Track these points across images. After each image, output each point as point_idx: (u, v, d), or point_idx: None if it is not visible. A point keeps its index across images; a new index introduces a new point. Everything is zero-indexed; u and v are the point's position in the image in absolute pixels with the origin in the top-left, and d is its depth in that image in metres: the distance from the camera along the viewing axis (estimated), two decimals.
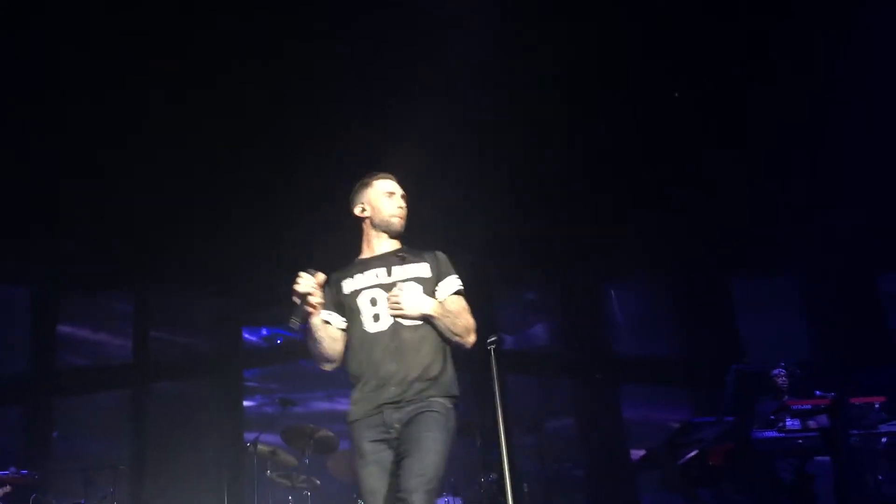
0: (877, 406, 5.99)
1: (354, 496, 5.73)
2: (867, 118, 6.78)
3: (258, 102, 6.49)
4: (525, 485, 6.34)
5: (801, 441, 5.80)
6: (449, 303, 3.37)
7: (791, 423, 5.87)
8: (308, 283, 3.25)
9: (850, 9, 6.27)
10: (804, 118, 6.87)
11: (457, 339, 3.34)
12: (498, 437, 3.78)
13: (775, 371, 6.63)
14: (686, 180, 7.37)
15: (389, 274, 3.40)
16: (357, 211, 3.50)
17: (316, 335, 3.32)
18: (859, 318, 8.05)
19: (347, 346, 3.40)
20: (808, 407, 5.95)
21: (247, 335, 8.32)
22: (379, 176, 3.53)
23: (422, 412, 3.21)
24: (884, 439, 6.03)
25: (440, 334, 3.34)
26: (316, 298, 3.26)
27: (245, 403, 8.06)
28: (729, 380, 6.53)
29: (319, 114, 6.57)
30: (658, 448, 6.14)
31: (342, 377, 3.39)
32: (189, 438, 7.37)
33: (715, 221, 7.76)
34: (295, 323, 3.26)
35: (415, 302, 3.30)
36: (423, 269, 3.41)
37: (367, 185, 3.52)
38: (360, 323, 3.36)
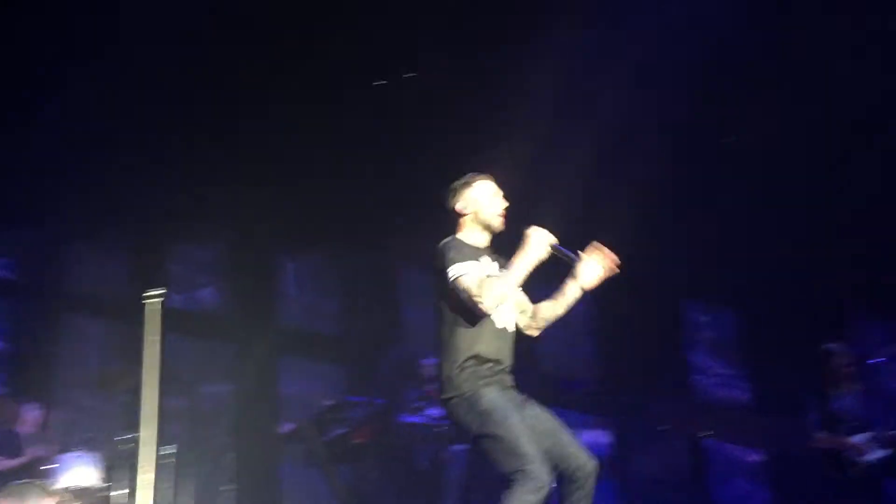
0: None
1: None
2: None
3: None
4: (168, 448, 6.17)
5: (439, 429, 6.13)
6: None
7: (433, 411, 6.18)
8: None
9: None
10: None
11: None
12: (145, 395, 3.65)
13: (425, 361, 6.95)
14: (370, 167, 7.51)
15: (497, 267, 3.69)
16: (459, 206, 3.80)
17: (519, 277, 3.60)
18: None
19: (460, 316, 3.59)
20: None
21: None
22: (483, 176, 3.84)
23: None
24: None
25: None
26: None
27: None
28: (383, 363, 6.78)
29: None
30: (307, 422, 6.22)
31: None
32: None
33: (394, 210, 7.97)
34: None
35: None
36: (497, 269, 3.69)
37: (470, 184, 3.80)
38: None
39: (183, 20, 5.94)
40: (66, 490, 5.23)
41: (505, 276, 3.58)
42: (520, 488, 3.28)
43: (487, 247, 3.78)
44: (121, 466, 3.40)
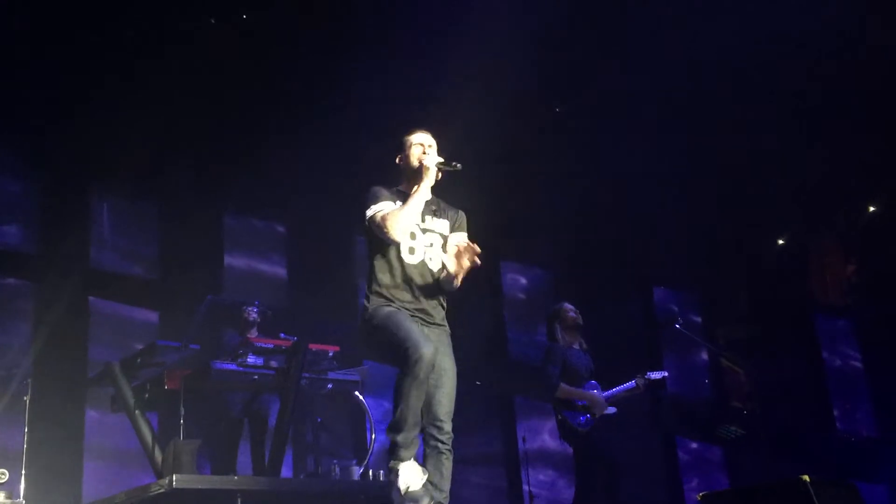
0: (330, 354, 6.53)
1: None
2: None
3: None
4: None
5: (256, 377, 6.09)
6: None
7: (253, 359, 6.13)
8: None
9: None
10: None
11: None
12: None
13: (248, 307, 6.88)
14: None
15: (423, 221, 4.13)
16: (396, 160, 4.26)
17: (419, 201, 4.03)
18: (335, 273, 8.68)
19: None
20: (271, 346, 6.28)
21: None
22: (415, 130, 4.24)
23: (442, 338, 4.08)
24: (329, 385, 6.61)
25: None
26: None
27: None
28: (200, 308, 6.63)
29: None
30: (115, 366, 6.01)
31: None
32: None
33: (222, 162, 7.82)
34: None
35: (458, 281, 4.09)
36: (444, 227, 4.21)
37: (403, 137, 4.24)
38: (399, 247, 4.04)
39: None
40: None
41: (405, 204, 3.99)
42: (403, 368, 3.75)
43: (431, 201, 4.18)
44: None
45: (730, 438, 9.23)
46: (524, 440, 7.98)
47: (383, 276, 4.05)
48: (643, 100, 7.91)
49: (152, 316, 7.86)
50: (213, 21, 6.81)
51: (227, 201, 8.31)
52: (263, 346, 6.25)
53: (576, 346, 6.46)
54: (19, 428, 5.65)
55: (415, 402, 3.78)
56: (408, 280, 4.05)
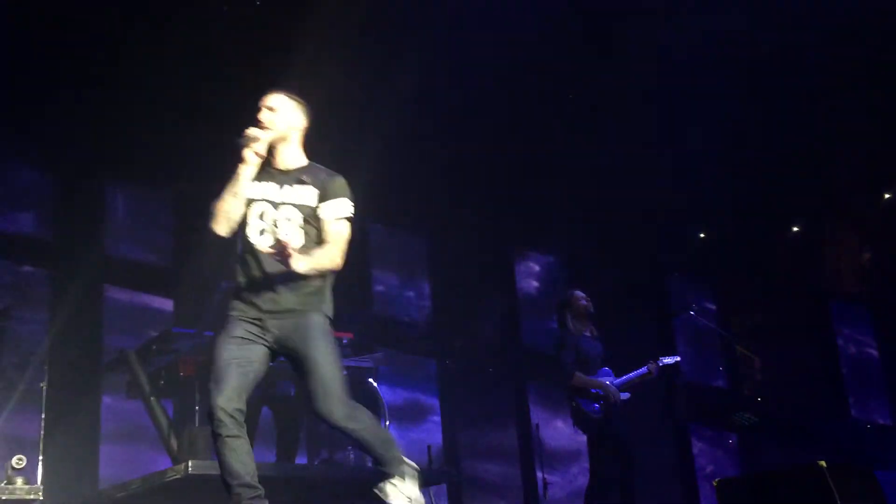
0: (344, 341, 6.54)
1: None
2: None
3: None
4: None
5: (271, 364, 6.08)
6: (326, 228, 3.63)
7: None
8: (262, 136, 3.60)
9: None
10: None
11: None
12: None
13: None
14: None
15: (280, 193, 3.67)
16: None
17: (234, 187, 3.57)
18: (348, 260, 8.67)
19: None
20: None
21: None
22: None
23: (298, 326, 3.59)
24: (343, 372, 6.61)
25: None
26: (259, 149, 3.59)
27: None
28: (215, 295, 6.64)
29: None
30: (130, 353, 6.03)
31: None
32: None
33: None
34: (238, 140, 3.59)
35: (297, 263, 3.46)
36: (309, 197, 3.66)
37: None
38: (247, 230, 3.63)
39: None
40: None
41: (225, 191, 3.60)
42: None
43: (300, 169, 3.74)
44: None
45: (744, 426, 9.20)
46: (538, 427, 7.98)
47: (239, 277, 3.68)
48: (655, 88, 7.88)
49: (167, 303, 7.88)
50: (225, 7, 6.79)
51: None
52: None
53: (587, 334, 6.44)
54: (36, 414, 5.68)
55: (224, 459, 3.47)
56: (260, 267, 3.62)
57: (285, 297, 3.60)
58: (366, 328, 7.38)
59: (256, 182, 3.67)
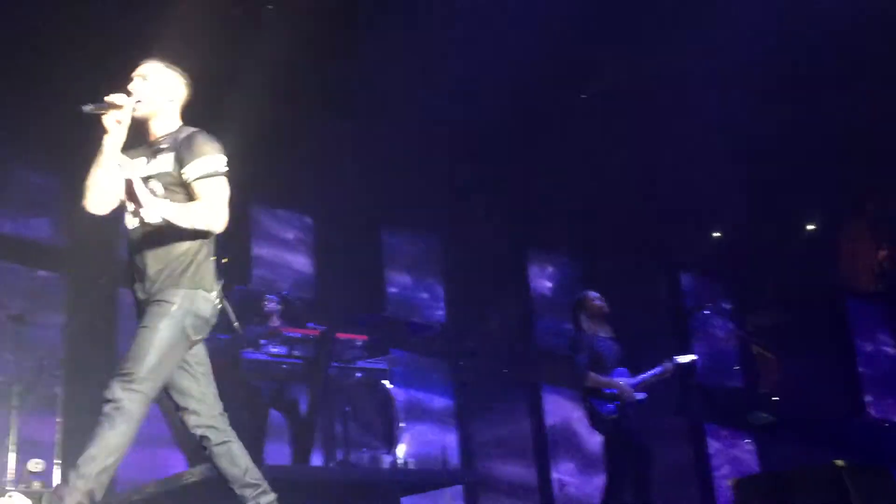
0: (358, 343, 6.55)
1: None
2: None
3: None
4: None
5: (285, 366, 6.12)
6: (194, 192, 3.26)
7: (279, 348, 6.15)
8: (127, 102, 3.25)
9: None
10: None
11: (202, 230, 3.26)
12: None
13: (270, 296, 6.89)
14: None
15: (147, 163, 3.34)
16: None
17: (98, 158, 3.27)
18: (361, 263, 8.71)
19: None
20: (299, 335, 6.30)
21: None
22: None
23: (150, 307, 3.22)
24: (358, 374, 6.63)
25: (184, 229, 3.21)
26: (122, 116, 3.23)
27: None
28: (229, 299, 6.65)
29: None
30: None
31: None
32: None
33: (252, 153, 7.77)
34: (88, 107, 3.24)
35: (146, 209, 3.11)
36: (166, 162, 3.29)
37: None
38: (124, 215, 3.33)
39: None
40: None
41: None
42: None
43: (155, 141, 3.39)
44: None
45: (760, 425, 9.16)
46: (552, 429, 7.97)
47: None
48: (668, 83, 7.84)
49: None
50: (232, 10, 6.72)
51: (254, 192, 8.33)
52: (291, 335, 6.27)
53: (602, 334, 6.42)
54: (52, 418, 5.71)
55: (217, 468, 3.40)
56: (130, 250, 3.32)
57: (144, 284, 3.27)
58: (379, 330, 7.39)
59: (128, 161, 3.36)
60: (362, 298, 8.36)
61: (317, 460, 6.73)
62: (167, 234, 3.22)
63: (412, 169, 8.18)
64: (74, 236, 7.56)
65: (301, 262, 8.82)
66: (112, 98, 3.27)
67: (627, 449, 6.16)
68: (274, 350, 6.12)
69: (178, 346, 3.25)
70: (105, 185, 3.29)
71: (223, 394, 5.96)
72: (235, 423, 6.32)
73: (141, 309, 3.30)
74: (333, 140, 7.70)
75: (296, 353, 6.15)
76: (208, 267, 3.36)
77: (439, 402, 8.96)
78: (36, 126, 7.18)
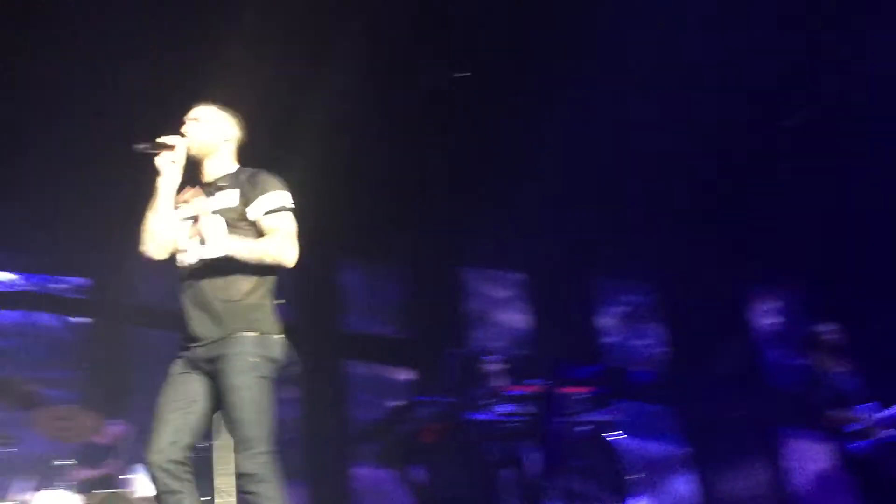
0: (581, 396, 6.47)
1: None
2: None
3: None
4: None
5: (509, 425, 6.12)
6: (261, 227, 3.23)
7: (501, 407, 6.17)
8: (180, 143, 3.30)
9: None
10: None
11: (268, 267, 3.23)
12: None
13: (488, 357, 6.95)
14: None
15: (207, 202, 3.30)
16: None
17: (153, 202, 3.28)
18: (573, 317, 8.64)
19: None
20: (521, 393, 6.30)
21: None
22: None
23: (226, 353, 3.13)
24: (583, 427, 6.53)
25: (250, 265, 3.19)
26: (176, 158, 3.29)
27: None
28: (448, 362, 6.78)
29: None
30: (376, 423, 6.26)
31: None
32: None
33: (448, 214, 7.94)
34: (140, 146, 3.27)
35: (215, 243, 3.13)
36: (229, 199, 3.27)
37: None
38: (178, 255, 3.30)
39: None
40: (145, 499, 5.32)
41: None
42: None
43: (218, 178, 3.37)
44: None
45: None
46: (793, 473, 7.50)
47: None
48: None
49: (402, 372, 8.14)
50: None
51: (463, 255, 8.50)
52: (513, 393, 6.28)
53: (839, 369, 6.03)
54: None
55: None
56: (185, 289, 3.25)
57: (204, 325, 3.19)
58: (601, 381, 7.28)
59: (185, 203, 3.37)
60: (578, 349, 8.29)
61: None
62: (233, 271, 3.19)
63: (628, 211, 8.04)
64: (303, 314, 7.94)
65: (514, 319, 8.89)
66: (164, 139, 3.32)
67: (881, 487, 5.71)
68: (498, 409, 6.15)
69: (268, 392, 3.16)
70: (163, 229, 3.28)
71: (450, 456, 6.09)
72: (461, 485, 6.44)
73: (204, 353, 3.20)
74: (533, 193, 7.67)
75: (519, 410, 6.15)
76: (273, 308, 3.30)
77: (671, 451, 8.67)
78: None
